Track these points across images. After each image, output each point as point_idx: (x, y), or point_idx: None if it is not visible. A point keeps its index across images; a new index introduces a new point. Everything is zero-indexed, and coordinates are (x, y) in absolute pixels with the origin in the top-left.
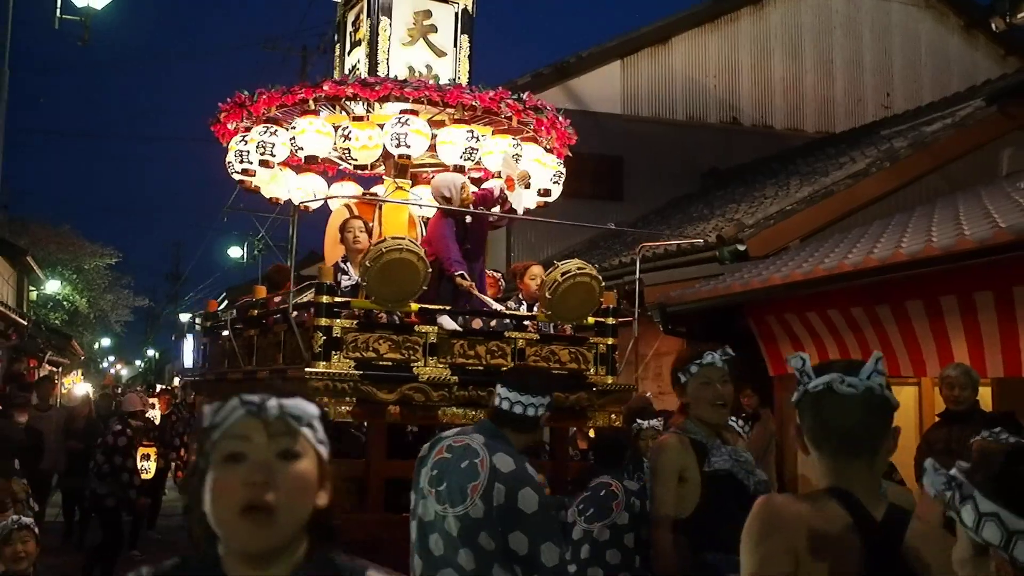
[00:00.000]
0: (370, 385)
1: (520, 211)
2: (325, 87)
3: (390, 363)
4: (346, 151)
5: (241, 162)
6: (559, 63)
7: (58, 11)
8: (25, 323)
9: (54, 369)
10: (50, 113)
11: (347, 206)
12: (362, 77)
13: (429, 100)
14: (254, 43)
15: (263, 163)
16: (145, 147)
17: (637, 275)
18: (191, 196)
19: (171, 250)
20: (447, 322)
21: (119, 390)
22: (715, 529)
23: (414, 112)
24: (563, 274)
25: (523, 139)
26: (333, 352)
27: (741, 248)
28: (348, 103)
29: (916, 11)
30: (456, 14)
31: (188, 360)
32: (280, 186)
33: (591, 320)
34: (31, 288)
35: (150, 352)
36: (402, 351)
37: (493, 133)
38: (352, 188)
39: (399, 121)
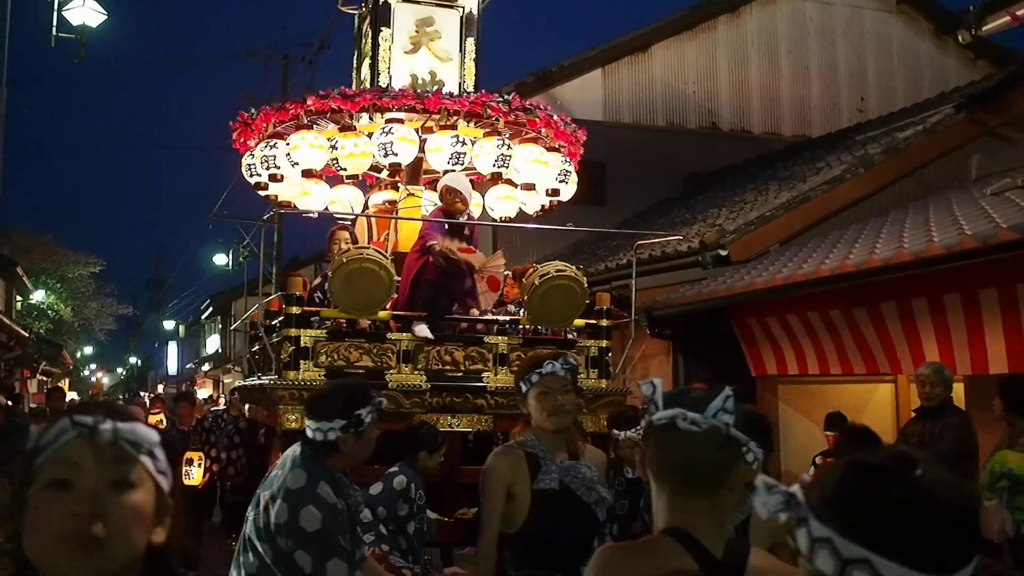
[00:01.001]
0: None
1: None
2: (309, 102)
3: (362, 371)
4: (334, 160)
5: (251, 176)
6: (542, 72)
7: (54, 29)
8: (27, 335)
9: (44, 379)
10: (35, 123)
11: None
12: (343, 90)
13: (409, 107)
14: (237, 53)
15: (272, 177)
16: (130, 156)
17: (633, 276)
18: (175, 204)
19: (153, 257)
20: (422, 330)
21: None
22: (538, 546)
23: (399, 120)
24: (541, 277)
25: (523, 140)
26: (302, 361)
27: (723, 253)
28: (346, 115)
29: (888, 17)
30: (461, 19)
31: (172, 367)
32: (315, 199)
33: (580, 322)
34: (18, 298)
35: (132, 359)
36: (375, 359)
37: (485, 135)
38: (385, 196)
39: (384, 131)
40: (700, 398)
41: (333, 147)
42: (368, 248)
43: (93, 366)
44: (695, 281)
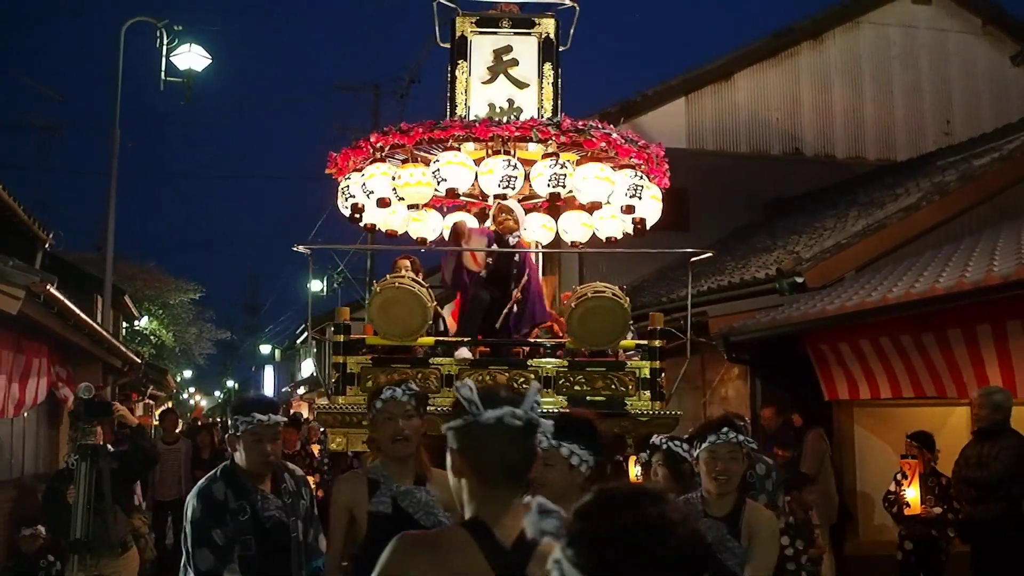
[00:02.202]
0: None
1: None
2: (372, 139)
3: None
4: (393, 191)
5: (346, 202)
6: (625, 102)
7: (163, 74)
8: (139, 361)
9: (151, 403)
10: (139, 158)
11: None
12: (402, 125)
13: (462, 137)
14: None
15: (379, 202)
16: (229, 188)
17: (688, 290)
18: (271, 232)
19: (248, 283)
20: (462, 353)
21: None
22: (371, 567)
23: (455, 148)
24: (578, 299)
25: (585, 160)
26: (348, 386)
27: (799, 280)
28: (407, 149)
29: (973, 39)
30: (538, 44)
31: (269, 390)
32: (425, 225)
33: (629, 343)
34: (124, 324)
35: (229, 383)
36: (419, 383)
37: (543, 157)
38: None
39: (435, 160)
40: (514, 398)
41: (394, 177)
42: (403, 276)
43: (192, 389)
44: (772, 307)
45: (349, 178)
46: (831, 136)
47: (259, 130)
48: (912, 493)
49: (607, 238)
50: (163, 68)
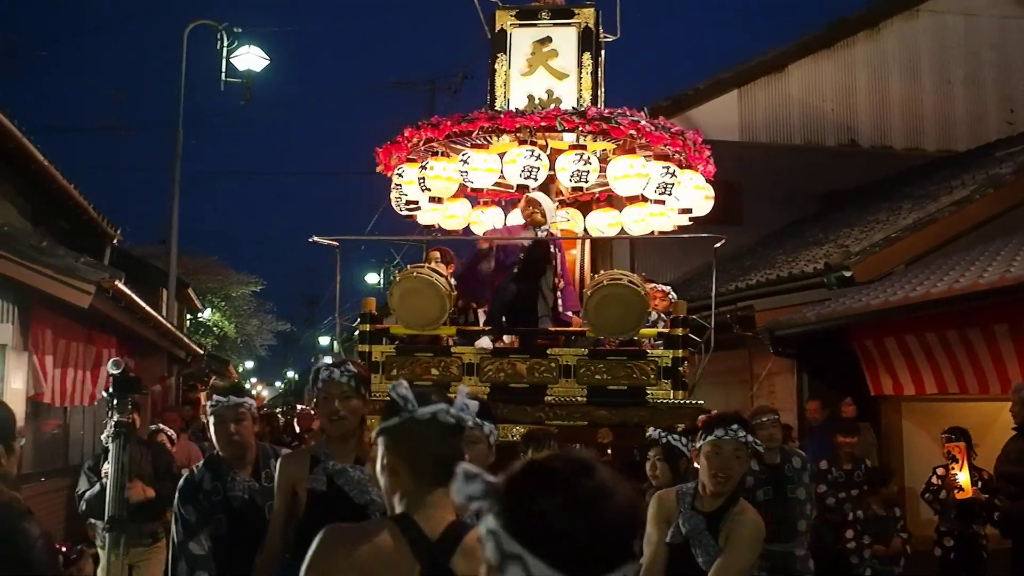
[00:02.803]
0: None
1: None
2: (405, 133)
3: (428, 383)
4: (421, 180)
5: (398, 201)
6: (677, 96)
7: (223, 75)
8: (202, 352)
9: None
10: (200, 156)
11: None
12: (434, 119)
13: (484, 129)
14: (384, 86)
15: (408, 204)
16: (287, 184)
17: (714, 277)
18: (331, 226)
19: (307, 276)
20: (483, 343)
21: (278, 411)
22: (308, 540)
23: (484, 145)
24: (594, 287)
25: (621, 152)
26: (373, 374)
27: (847, 274)
28: (439, 143)
29: None
30: (578, 34)
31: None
32: (487, 223)
33: (651, 332)
34: (188, 316)
35: (290, 374)
36: (441, 371)
37: (570, 148)
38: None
39: (467, 160)
40: (445, 397)
41: (423, 167)
42: (423, 267)
43: (254, 380)
44: (819, 302)
45: (401, 174)
46: (888, 127)
47: (317, 127)
48: (963, 476)
49: (676, 226)
50: (223, 69)
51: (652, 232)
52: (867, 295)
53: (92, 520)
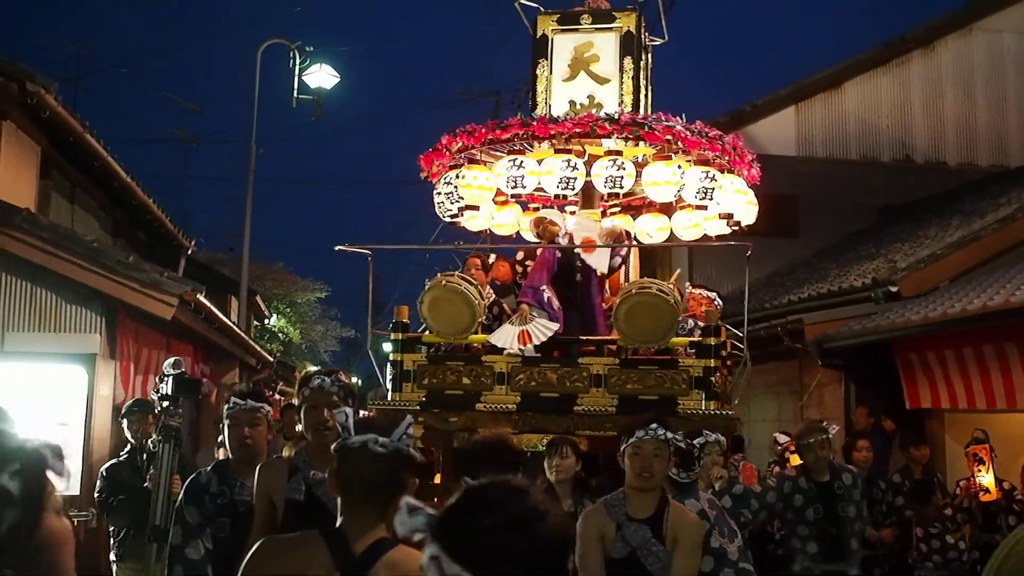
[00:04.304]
0: (436, 413)
1: (602, 269)
2: (444, 140)
3: (460, 392)
4: (454, 190)
5: (441, 208)
6: (735, 111)
7: (295, 92)
8: (272, 359)
9: (279, 398)
10: (269, 167)
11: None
12: (471, 126)
13: (522, 136)
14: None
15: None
16: (354, 194)
17: (746, 285)
18: (393, 234)
19: (372, 284)
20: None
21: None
22: None
23: (521, 152)
24: (624, 295)
25: (658, 157)
26: (404, 383)
27: (893, 289)
28: (477, 151)
29: None
30: (619, 39)
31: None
32: (507, 227)
33: (682, 340)
34: (255, 322)
35: (354, 379)
36: (472, 380)
37: (605, 154)
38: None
39: (512, 163)
40: (386, 426)
41: (457, 176)
42: (453, 275)
43: None
44: (866, 315)
45: (449, 181)
46: (942, 143)
47: (384, 140)
48: (988, 478)
49: (716, 236)
50: (295, 87)
51: (702, 237)
52: (911, 310)
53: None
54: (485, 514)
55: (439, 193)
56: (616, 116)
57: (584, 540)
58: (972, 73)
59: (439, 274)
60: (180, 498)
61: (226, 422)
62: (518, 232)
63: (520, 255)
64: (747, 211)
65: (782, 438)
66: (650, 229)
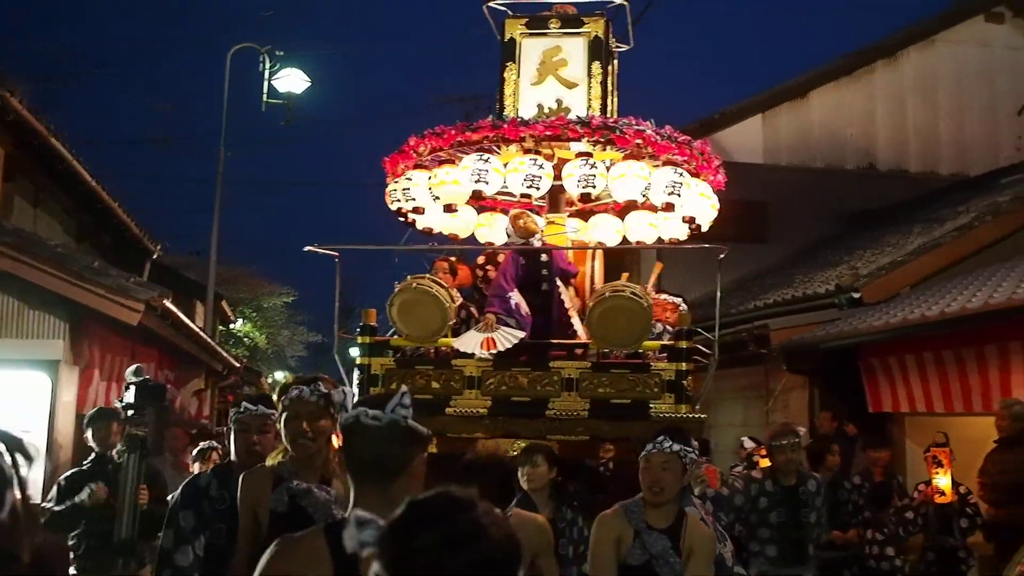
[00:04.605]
0: None
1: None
2: (411, 142)
3: (430, 396)
4: (428, 191)
5: (394, 204)
6: (704, 119)
7: (265, 96)
8: (239, 365)
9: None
10: (237, 167)
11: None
12: (439, 128)
13: (494, 138)
14: (423, 105)
15: (415, 210)
16: (323, 197)
17: (718, 287)
18: (362, 238)
19: (340, 288)
20: (484, 355)
21: None
22: None
23: (493, 151)
24: (597, 298)
25: (624, 158)
26: (371, 388)
27: (856, 295)
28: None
29: None
30: (587, 43)
31: (351, 394)
32: (493, 229)
33: (654, 344)
34: (221, 327)
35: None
36: (442, 385)
37: (577, 156)
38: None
39: (480, 159)
40: (379, 397)
41: (429, 178)
42: (424, 278)
43: None
44: (830, 321)
45: (410, 178)
46: (905, 152)
47: (357, 144)
48: (945, 481)
49: (670, 239)
50: (265, 91)
51: (675, 240)
52: (873, 316)
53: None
54: (424, 529)
55: (395, 190)
56: (587, 120)
57: (600, 543)
58: (934, 83)
59: (409, 277)
60: (174, 500)
61: (234, 427)
62: (472, 235)
63: (481, 259)
64: (710, 215)
65: (749, 443)
66: (608, 229)
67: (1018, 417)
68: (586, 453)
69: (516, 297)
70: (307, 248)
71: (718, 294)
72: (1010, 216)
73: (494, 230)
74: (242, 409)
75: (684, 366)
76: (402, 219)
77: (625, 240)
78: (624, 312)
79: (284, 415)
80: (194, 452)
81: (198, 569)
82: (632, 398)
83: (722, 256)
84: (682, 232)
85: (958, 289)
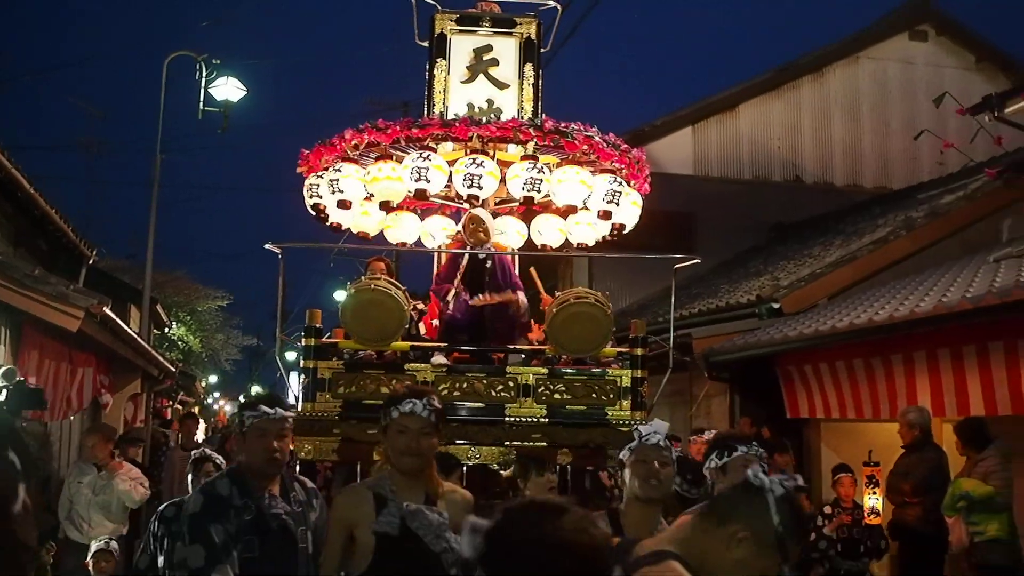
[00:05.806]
0: (355, 424)
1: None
2: (347, 136)
3: (381, 401)
4: (363, 188)
5: (311, 198)
6: (635, 130)
7: (201, 104)
8: (174, 369)
9: (180, 408)
10: (172, 171)
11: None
12: (379, 122)
13: (440, 137)
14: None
15: (340, 204)
16: (258, 202)
17: (672, 304)
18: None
19: (275, 291)
20: (438, 359)
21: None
22: None
23: (432, 149)
24: (559, 304)
25: (566, 163)
26: (318, 392)
27: (776, 306)
28: (384, 147)
29: (967, 74)
30: (519, 45)
31: (292, 397)
32: (402, 230)
33: (612, 351)
34: (155, 331)
35: (255, 389)
36: (393, 389)
37: (522, 159)
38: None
39: (422, 156)
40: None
41: (368, 173)
42: (380, 279)
43: (217, 394)
44: (751, 331)
45: (321, 176)
46: (830, 165)
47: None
48: (877, 500)
49: (579, 244)
50: (202, 99)
51: (584, 245)
52: (790, 326)
53: None
54: (520, 533)
55: (316, 184)
56: (540, 122)
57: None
58: (859, 99)
59: (363, 277)
60: (195, 511)
61: (249, 432)
62: (381, 232)
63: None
64: (635, 221)
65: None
66: (550, 229)
67: (913, 424)
68: (544, 459)
69: (464, 293)
70: (267, 246)
71: (672, 300)
72: (923, 231)
73: (402, 230)
74: (259, 412)
75: (640, 372)
76: (318, 214)
77: (568, 243)
78: (588, 319)
79: (391, 427)
80: (190, 463)
81: None
82: (588, 404)
83: (677, 267)
84: (599, 236)
85: (870, 301)
